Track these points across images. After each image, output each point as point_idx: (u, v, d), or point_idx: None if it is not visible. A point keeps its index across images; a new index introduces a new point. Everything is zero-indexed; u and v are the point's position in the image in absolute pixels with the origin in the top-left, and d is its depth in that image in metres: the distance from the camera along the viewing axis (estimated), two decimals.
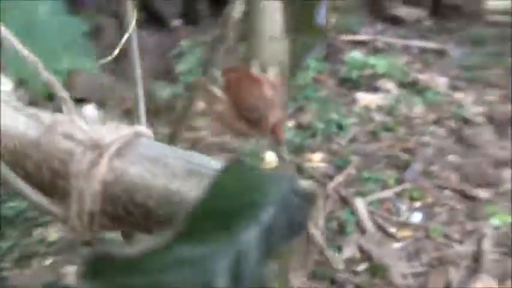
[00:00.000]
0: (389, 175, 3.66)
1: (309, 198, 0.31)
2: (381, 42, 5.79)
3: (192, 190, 0.41)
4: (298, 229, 0.30)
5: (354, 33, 5.96)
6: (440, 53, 5.62)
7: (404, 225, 3.25)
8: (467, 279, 2.88)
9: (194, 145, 3.63)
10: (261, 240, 0.28)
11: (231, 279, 0.27)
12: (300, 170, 3.56)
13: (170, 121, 3.33)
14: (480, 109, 4.46)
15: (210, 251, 0.27)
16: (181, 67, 4.70)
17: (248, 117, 0.37)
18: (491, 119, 4.28)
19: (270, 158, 3.26)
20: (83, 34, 4.40)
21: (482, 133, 4.11)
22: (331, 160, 3.83)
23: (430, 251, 3.07)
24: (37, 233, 3.02)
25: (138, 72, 0.58)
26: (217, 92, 0.37)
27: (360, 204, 3.33)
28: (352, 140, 4.09)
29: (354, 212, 3.30)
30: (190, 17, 5.61)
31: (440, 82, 4.87)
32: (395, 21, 6.41)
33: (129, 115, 3.73)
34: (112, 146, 0.45)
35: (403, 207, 3.38)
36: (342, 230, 3.18)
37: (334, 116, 4.30)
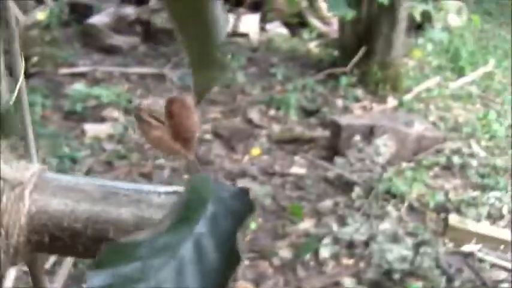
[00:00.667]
0: None
1: (248, 201, 0.37)
2: (100, 72, 5.79)
3: (113, 209, 0.45)
4: (238, 218, 0.37)
5: (72, 65, 5.89)
6: (159, 78, 5.81)
7: None
8: None
9: None
10: (210, 228, 0.39)
11: (195, 257, 0.38)
12: None
13: None
14: (207, 126, 4.71)
15: (178, 239, 0.38)
16: None
17: (184, 138, 0.42)
18: (217, 135, 4.54)
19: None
20: None
21: (212, 148, 4.35)
22: None
23: None
24: None
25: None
26: (153, 120, 0.42)
27: None
28: (88, 172, 4.03)
29: None
30: None
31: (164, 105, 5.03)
32: (111, 50, 6.46)
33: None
34: (29, 182, 0.45)
35: None
36: None
37: (66, 150, 4.20)
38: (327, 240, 3.35)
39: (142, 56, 6.49)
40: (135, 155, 4.29)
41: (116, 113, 4.87)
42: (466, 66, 6.06)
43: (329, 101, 5.27)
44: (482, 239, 3.42)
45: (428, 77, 5.92)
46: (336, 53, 6.10)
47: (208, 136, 4.55)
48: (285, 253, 3.33)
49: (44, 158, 3.97)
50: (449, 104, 5.37)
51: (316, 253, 3.30)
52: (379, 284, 3.07)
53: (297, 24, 7.15)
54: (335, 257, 3.28)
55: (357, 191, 3.74)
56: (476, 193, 3.88)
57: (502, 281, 3.21)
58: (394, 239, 3.27)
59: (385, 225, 3.45)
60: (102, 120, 4.79)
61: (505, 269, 3.27)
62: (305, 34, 6.85)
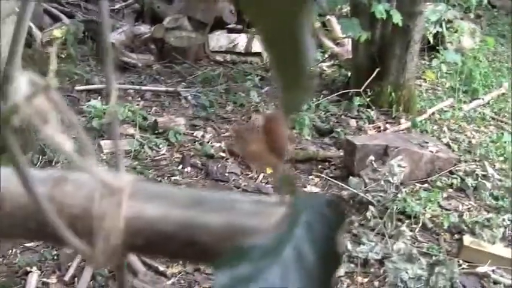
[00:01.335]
0: None
1: (339, 208, 0.42)
2: (115, 89, 5.84)
3: (204, 215, 0.48)
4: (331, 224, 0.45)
5: (87, 82, 5.97)
6: (173, 95, 5.87)
7: (172, 261, 3.32)
8: None
9: None
10: (305, 233, 0.45)
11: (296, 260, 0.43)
12: None
13: None
14: (220, 144, 4.75)
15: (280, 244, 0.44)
16: None
17: (279, 152, 0.46)
18: (232, 153, 4.58)
19: None
20: None
21: (226, 166, 4.38)
22: None
23: (201, 282, 3.18)
24: None
25: None
26: (250, 136, 0.47)
27: None
28: None
29: None
30: None
31: (179, 123, 5.08)
32: (126, 67, 6.54)
33: None
34: (126, 188, 0.49)
35: None
36: (114, 274, 3.15)
37: None
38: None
39: (157, 73, 6.57)
40: (151, 172, 4.33)
41: (131, 130, 4.92)
42: (479, 88, 6.08)
43: (342, 121, 5.31)
44: (497, 260, 3.43)
45: (442, 98, 5.96)
46: (349, 73, 6.15)
47: (223, 154, 4.59)
48: None
49: None
50: (462, 126, 5.40)
51: None
52: None
53: None
54: (350, 275, 3.30)
55: (372, 210, 3.76)
56: (490, 215, 3.89)
57: None
58: (409, 258, 3.28)
59: (400, 245, 3.46)
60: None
61: None
62: (318, 55, 6.90)
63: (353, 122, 5.30)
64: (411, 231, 3.69)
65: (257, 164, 0.47)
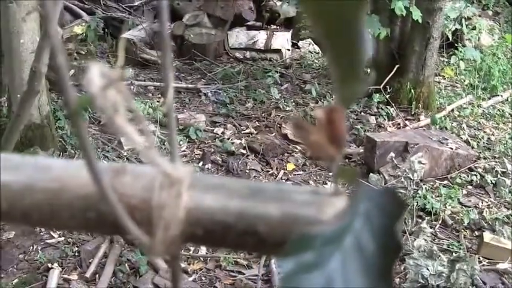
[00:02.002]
0: None
1: (397, 199, 0.44)
2: (135, 85, 5.91)
3: (261, 205, 0.51)
4: (389, 214, 0.48)
5: None
6: (193, 92, 5.91)
7: (194, 258, 3.36)
8: None
9: None
10: (364, 223, 0.48)
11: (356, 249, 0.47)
12: None
13: None
14: (240, 141, 4.78)
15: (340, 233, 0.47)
16: None
17: (338, 143, 0.48)
18: (252, 149, 4.61)
19: None
20: None
21: (247, 163, 4.42)
22: None
23: (223, 279, 3.21)
24: None
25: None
26: (310, 126, 0.49)
27: None
28: None
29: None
30: None
31: (199, 119, 5.12)
32: (146, 64, 6.59)
33: None
34: (185, 179, 0.52)
35: None
36: (136, 271, 3.19)
37: (104, 162, 4.29)
38: None
39: (177, 70, 6.61)
40: None
41: (152, 127, 4.97)
42: (498, 85, 6.07)
43: (362, 118, 5.32)
44: None
45: (461, 95, 5.95)
46: (368, 70, 6.15)
47: (243, 151, 4.62)
48: None
49: None
50: (481, 123, 5.39)
51: None
52: None
53: None
54: None
55: None
56: (510, 212, 3.89)
57: None
58: (430, 255, 3.30)
59: (420, 242, 3.48)
60: (139, 133, 4.87)
61: None
62: None
63: (372, 119, 5.31)
64: (431, 228, 3.70)
65: (317, 154, 0.49)
